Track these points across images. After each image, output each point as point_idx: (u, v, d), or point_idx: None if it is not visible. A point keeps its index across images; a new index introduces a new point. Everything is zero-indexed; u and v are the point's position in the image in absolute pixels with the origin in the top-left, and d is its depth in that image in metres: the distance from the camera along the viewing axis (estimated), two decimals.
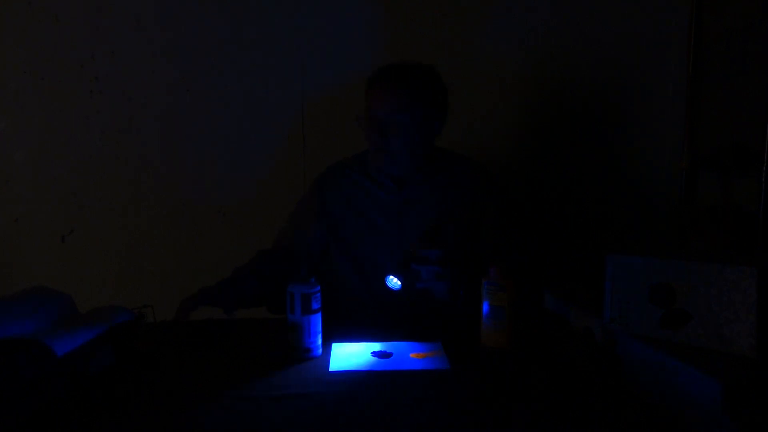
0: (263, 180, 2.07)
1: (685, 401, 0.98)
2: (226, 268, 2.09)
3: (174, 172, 2.07)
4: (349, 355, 1.28)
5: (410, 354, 1.29)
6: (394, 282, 1.36)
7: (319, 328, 1.28)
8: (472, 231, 1.58)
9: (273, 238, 1.68)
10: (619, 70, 2.05)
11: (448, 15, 2.01)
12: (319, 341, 1.28)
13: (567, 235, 2.09)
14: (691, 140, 2.00)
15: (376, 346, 1.32)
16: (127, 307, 1.34)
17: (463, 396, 1.10)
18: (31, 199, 2.08)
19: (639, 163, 2.09)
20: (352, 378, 1.17)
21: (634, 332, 1.11)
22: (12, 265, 2.09)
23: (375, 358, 1.26)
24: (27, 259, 2.09)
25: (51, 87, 2.02)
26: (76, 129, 2.04)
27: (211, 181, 2.08)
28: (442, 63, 1.60)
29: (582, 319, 1.24)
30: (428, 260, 1.36)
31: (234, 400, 1.09)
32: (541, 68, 2.04)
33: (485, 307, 1.31)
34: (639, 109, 2.07)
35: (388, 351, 1.30)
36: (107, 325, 1.25)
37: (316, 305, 1.26)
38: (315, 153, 2.04)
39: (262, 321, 1.52)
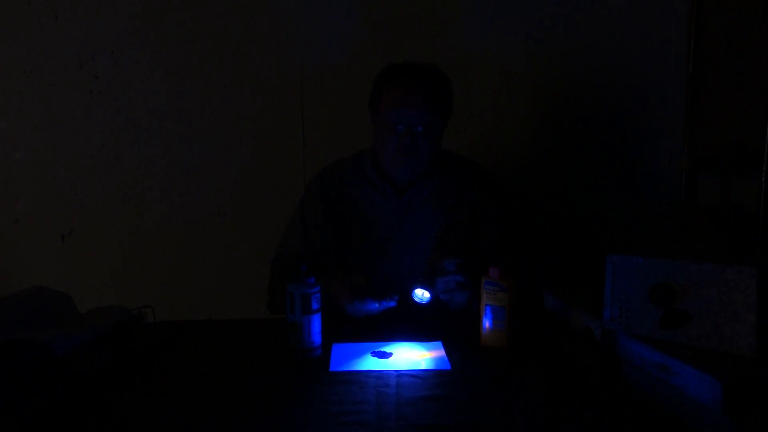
0: (263, 180, 2.07)
1: (685, 401, 0.98)
2: (226, 268, 2.11)
3: (174, 173, 2.07)
4: (349, 355, 1.28)
5: (410, 354, 1.29)
6: (421, 295, 1.35)
7: (319, 328, 1.27)
8: (473, 233, 1.58)
9: (272, 239, 1.67)
10: (619, 71, 2.05)
11: (450, 14, 2.00)
12: (319, 341, 1.28)
13: (567, 235, 2.09)
14: (691, 140, 2.00)
15: (376, 346, 1.32)
16: (127, 307, 1.34)
17: (464, 396, 1.10)
18: (31, 199, 2.08)
19: (639, 164, 2.09)
20: (352, 378, 1.17)
21: (634, 332, 1.11)
22: (12, 265, 2.09)
23: (375, 358, 1.26)
24: (27, 259, 2.09)
25: (51, 87, 2.02)
26: (76, 129, 2.04)
27: (212, 182, 2.08)
28: (443, 62, 1.59)
29: (582, 319, 1.24)
30: (448, 270, 1.35)
31: (234, 401, 1.09)
32: (541, 68, 2.04)
33: (485, 308, 1.31)
34: (639, 109, 2.07)
35: (388, 351, 1.30)
36: (107, 325, 1.25)
37: (316, 305, 1.26)
38: (315, 153, 2.04)
39: (262, 321, 1.52)
